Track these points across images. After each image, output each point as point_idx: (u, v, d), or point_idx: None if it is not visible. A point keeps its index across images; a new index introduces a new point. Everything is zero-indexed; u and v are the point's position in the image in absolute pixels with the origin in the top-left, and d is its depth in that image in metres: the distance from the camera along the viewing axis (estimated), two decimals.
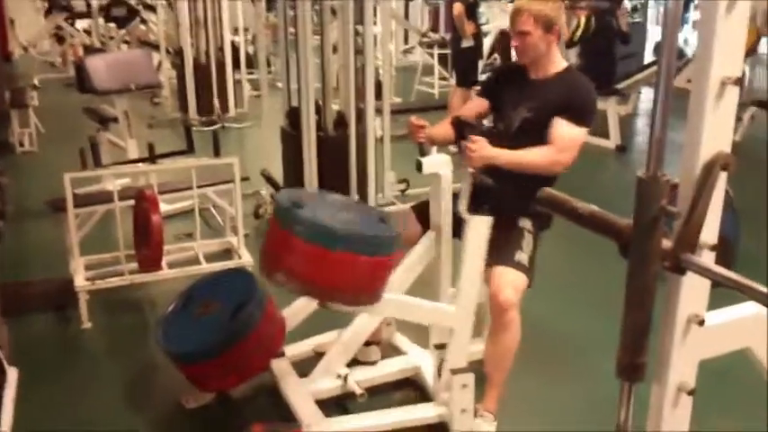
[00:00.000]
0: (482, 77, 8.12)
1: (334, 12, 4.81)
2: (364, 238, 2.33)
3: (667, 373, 1.49)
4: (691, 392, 1.50)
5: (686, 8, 16.07)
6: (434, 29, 13.23)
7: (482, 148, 2.51)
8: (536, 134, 2.62)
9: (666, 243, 1.39)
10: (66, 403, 2.96)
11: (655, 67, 8.09)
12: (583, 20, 7.47)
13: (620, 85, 7.70)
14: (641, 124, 8.61)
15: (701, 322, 1.46)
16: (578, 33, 7.47)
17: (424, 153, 2.69)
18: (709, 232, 1.42)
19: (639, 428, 1.51)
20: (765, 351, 1.60)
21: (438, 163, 2.68)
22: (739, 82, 1.36)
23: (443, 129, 2.83)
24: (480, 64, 8.59)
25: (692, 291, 1.46)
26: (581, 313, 3.72)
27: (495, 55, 10.01)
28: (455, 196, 2.73)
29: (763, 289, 1.25)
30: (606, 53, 7.60)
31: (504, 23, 9.73)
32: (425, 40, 10.61)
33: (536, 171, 2.59)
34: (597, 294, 3.90)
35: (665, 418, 1.51)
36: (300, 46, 4.66)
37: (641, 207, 1.36)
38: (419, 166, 2.67)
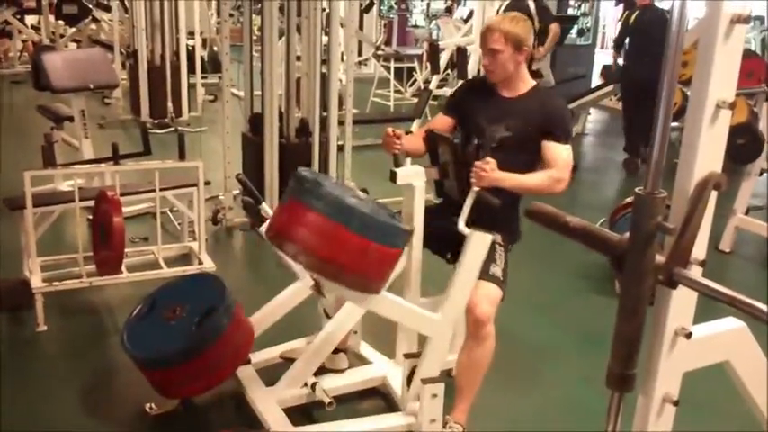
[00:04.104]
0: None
1: (299, 28, 4.82)
2: (381, 225, 2.34)
3: (654, 385, 1.54)
4: (675, 403, 1.55)
5: None
6: (388, 42, 13.33)
7: (493, 170, 2.53)
8: (513, 151, 2.67)
9: (659, 258, 1.45)
10: (22, 409, 2.86)
11: (603, 90, 8.35)
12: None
13: (571, 106, 7.87)
14: (588, 144, 8.83)
15: (689, 335, 1.52)
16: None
17: (398, 164, 2.72)
18: (699, 248, 1.48)
19: None
20: (744, 365, 1.66)
21: (412, 174, 2.71)
22: (733, 106, 1.42)
23: (416, 141, 2.87)
24: (435, 79, 8.69)
25: (680, 304, 1.51)
26: (539, 323, 3.80)
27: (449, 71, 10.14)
28: (429, 209, 2.78)
29: (754, 303, 1.31)
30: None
31: (459, 40, 9.91)
32: (380, 53, 10.68)
33: (538, 193, 2.60)
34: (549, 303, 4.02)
35: (649, 429, 1.55)
36: (266, 53, 4.66)
37: (638, 222, 1.41)
38: (393, 177, 2.70)
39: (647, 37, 6.88)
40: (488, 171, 2.52)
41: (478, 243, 2.56)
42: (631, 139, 7.32)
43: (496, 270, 2.65)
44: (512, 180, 2.61)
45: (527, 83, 2.80)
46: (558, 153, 2.67)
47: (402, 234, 2.43)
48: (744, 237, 4.94)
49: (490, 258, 2.66)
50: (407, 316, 2.66)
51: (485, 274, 2.62)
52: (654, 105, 1.33)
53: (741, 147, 4.66)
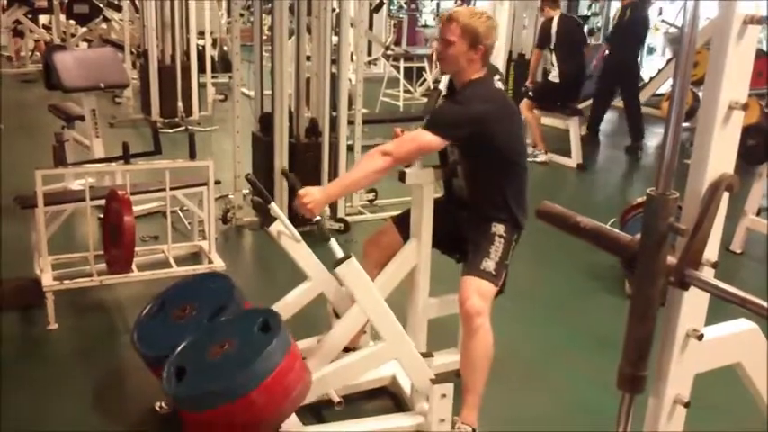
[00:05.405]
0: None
1: (309, 28, 4.82)
2: (243, 376, 2.26)
3: (665, 386, 1.53)
4: (686, 405, 1.55)
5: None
6: (398, 42, 13.32)
7: (312, 199, 2.49)
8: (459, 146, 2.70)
9: (671, 259, 1.44)
10: (33, 407, 2.87)
11: None
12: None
13: (582, 106, 7.87)
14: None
15: (700, 337, 1.51)
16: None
17: (407, 164, 2.72)
18: (711, 249, 1.47)
19: None
20: (756, 367, 1.65)
21: (421, 174, 2.72)
22: (746, 107, 1.41)
23: None
24: (444, 79, 8.66)
25: (692, 306, 1.51)
26: (547, 323, 3.78)
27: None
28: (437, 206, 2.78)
29: (766, 304, 1.30)
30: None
31: None
32: (389, 53, 10.68)
33: (372, 177, 2.59)
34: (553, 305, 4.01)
35: (660, 430, 1.55)
36: (276, 52, 4.67)
37: (650, 223, 1.40)
38: (402, 177, 2.71)
39: (636, 28, 7.76)
40: (307, 202, 2.48)
41: (351, 273, 2.54)
42: (631, 125, 7.93)
43: (488, 264, 2.63)
44: (338, 185, 2.66)
45: (470, 77, 2.66)
46: (407, 133, 2.65)
47: (266, 360, 2.29)
48: (755, 238, 4.91)
49: (484, 252, 2.65)
50: (359, 368, 2.72)
51: (476, 270, 2.61)
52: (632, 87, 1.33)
53: (752, 147, 4.63)
